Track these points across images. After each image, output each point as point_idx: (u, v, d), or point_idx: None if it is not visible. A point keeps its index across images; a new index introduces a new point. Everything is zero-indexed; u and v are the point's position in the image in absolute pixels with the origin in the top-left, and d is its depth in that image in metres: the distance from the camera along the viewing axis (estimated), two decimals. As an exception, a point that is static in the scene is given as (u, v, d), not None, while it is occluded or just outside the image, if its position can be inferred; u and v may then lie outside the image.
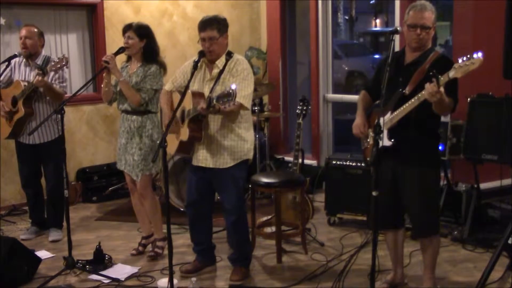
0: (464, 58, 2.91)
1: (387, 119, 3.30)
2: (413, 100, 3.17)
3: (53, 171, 4.68)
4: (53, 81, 4.54)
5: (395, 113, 3.28)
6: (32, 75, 4.55)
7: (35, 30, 4.67)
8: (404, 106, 3.23)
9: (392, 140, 3.30)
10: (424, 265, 3.57)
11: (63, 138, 3.89)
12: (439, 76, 2.97)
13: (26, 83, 4.51)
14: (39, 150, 4.70)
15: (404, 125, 3.27)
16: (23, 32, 4.63)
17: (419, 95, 3.12)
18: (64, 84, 4.62)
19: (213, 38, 3.62)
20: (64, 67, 4.31)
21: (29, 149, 4.71)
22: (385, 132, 3.29)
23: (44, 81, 4.35)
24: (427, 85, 3.01)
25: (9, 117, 4.61)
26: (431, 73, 3.01)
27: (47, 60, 4.62)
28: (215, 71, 3.70)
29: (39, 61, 4.63)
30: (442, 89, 2.96)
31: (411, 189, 3.37)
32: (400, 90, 3.27)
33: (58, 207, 4.74)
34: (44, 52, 4.77)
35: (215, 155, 3.71)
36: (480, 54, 2.86)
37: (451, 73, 2.96)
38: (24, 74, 4.66)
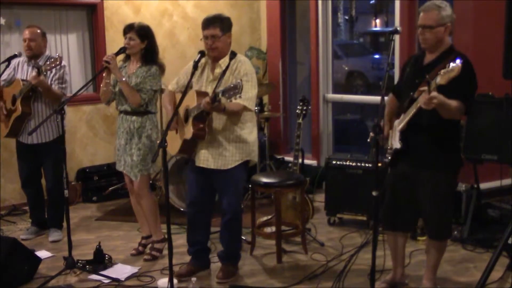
0: (452, 65, 2.87)
1: (400, 121, 3.32)
2: (412, 106, 3.17)
3: (52, 171, 4.67)
4: (52, 81, 4.54)
5: (402, 117, 3.30)
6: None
7: (39, 31, 4.65)
8: (408, 111, 3.23)
9: (400, 141, 3.31)
10: (426, 265, 3.57)
11: (63, 138, 3.89)
12: (431, 82, 2.95)
13: (25, 82, 4.51)
14: (39, 150, 4.69)
15: (414, 128, 3.27)
16: (27, 34, 4.61)
17: (416, 101, 3.11)
18: (64, 86, 4.58)
19: (215, 36, 3.61)
20: (58, 66, 4.30)
21: (29, 149, 4.70)
22: (398, 135, 3.31)
23: (39, 79, 4.34)
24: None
25: (8, 115, 4.61)
26: (424, 78, 3.01)
27: (48, 60, 4.61)
28: (217, 71, 3.68)
29: (41, 61, 4.61)
30: (434, 93, 2.93)
31: (424, 192, 3.36)
32: (411, 93, 3.26)
33: (58, 207, 4.74)
34: (47, 52, 4.76)
35: (216, 156, 3.70)
36: (458, 61, 2.85)
37: (437, 80, 2.93)
38: (26, 73, 4.65)
